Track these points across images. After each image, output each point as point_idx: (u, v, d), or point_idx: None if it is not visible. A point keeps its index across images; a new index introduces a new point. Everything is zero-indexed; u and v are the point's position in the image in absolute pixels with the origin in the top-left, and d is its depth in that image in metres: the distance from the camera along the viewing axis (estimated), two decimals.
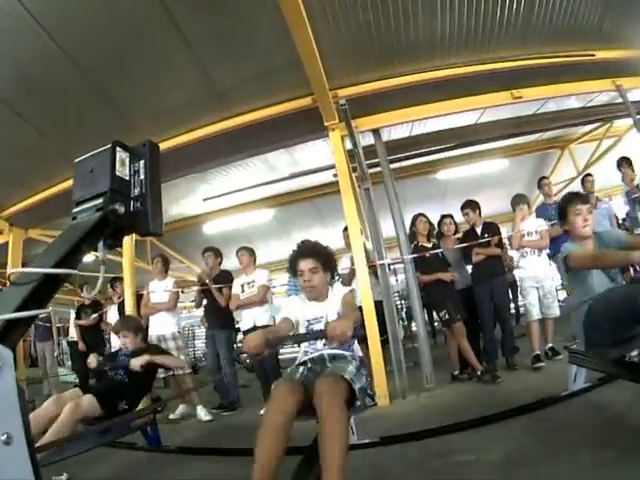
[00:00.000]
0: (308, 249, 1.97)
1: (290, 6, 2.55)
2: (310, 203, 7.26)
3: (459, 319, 3.73)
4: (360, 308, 3.01)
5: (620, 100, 4.47)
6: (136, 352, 2.94)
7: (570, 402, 2.45)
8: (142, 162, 0.91)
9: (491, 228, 3.98)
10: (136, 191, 0.89)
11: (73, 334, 6.33)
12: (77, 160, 0.92)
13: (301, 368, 1.76)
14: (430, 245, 4.00)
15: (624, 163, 4.79)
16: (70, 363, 7.75)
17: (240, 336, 5.36)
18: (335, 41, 3.42)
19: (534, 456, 1.85)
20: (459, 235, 4.29)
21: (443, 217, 4.29)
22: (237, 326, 4.65)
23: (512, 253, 5.06)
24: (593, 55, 4.13)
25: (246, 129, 4.21)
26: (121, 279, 5.17)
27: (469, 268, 4.10)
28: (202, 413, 3.84)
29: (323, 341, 1.79)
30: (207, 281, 4.25)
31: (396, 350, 3.59)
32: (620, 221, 5.19)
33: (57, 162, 4.28)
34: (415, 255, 3.88)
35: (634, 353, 1.90)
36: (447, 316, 3.76)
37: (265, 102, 4.12)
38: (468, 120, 4.89)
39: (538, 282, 3.78)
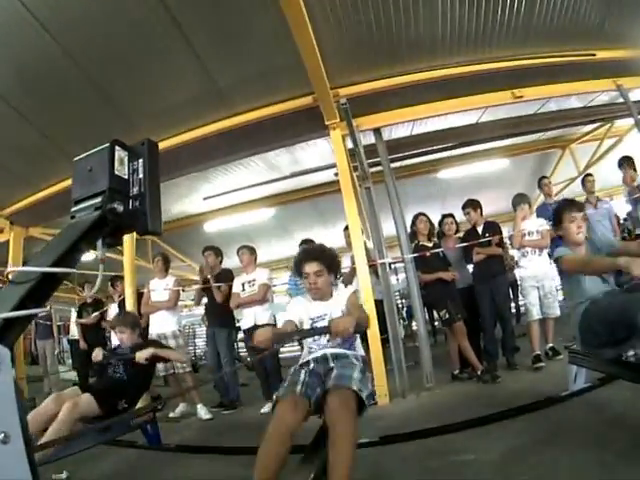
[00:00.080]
0: (313, 252, 2.05)
1: (291, 5, 2.55)
2: (311, 202, 7.26)
3: (459, 318, 3.73)
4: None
5: (621, 100, 4.46)
6: (134, 348, 2.91)
7: (570, 402, 2.45)
8: (141, 161, 0.91)
9: (492, 227, 3.98)
10: (135, 190, 0.89)
11: (74, 332, 6.35)
12: (76, 159, 0.92)
13: (302, 373, 1.74)
14: (431, 244, 4.01)
15: (626, 162, 4.77)
16: (70, 361, 7.77)
17: (240, 335, 5.36)
18: (336, 40, 3.41)
19: (534, 456, 1.85)
20: (460, 234, 4.29)
21: (444, 217, 4.30)
22: (237, 325, 4.66)
23: (513, 252, 5.06)
24: (594, 55, 4.11)
25: (247, 128, 4.20)
26: (122, 278, 5.17)
27: (470, 267, 4.10)
28: (202, 411, 3.84)
29: (327, 337, 1.84)
30: (208, 276, 4.26)
31: (396, 349, 3.60)
32: (621, 221, 5.18)
33: (58, 160, 4.28)
34: (416, 254, 3.88)
35: (630, 353, 1.92)
36: (447, 315, 3.76)
37: (266, 101, 4.11)
38: (469, 119, 4.88)
39: (539, 282, 3.78)
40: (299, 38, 2.85)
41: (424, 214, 4.10)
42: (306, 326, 1.98)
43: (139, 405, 3.08)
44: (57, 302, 8.17)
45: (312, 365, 1.82)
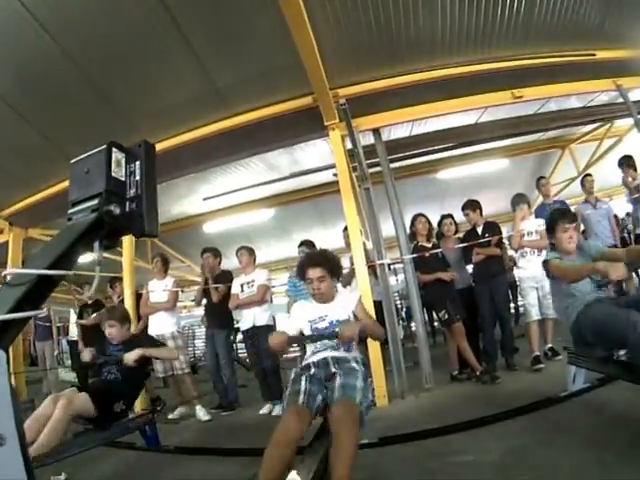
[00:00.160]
0: (317, 258, 2.14)
1: (291, 5, 2.55)
2: (310, 203, 7.25)
3: (458, 319, 3.73)
4: None
5: (621, 100, 4.46)
6: (125, 343, 2.85)
7: (569, 403, 2.45)
8: (138, 163, 0.91)
9: (492, 228, 3.98)
10: (132, 192, 0.89)
11: (73, 333, 6.34)
12: (73, 161, 0.92)
13: (303, 380, 1.74)
14: (430, 245, 4.00)
15: (626, 162, 4.76)
16: (70, 362, 7.76)
17: (240, 336, 5.36)
18: (335, 41, 3.41)
19: (533, 457, 1.85)
20: (459, 235, 4.29)
21: (443, 217, 4.29)
22: (236, 326, 4.65)
23: (511, 253, 5.05)
24: (594, 55, 4.11)
25: (246, 128, 4.20)
26: (121, 279, 5.16)
27: (469, 268, 4.10)
28: (201, 413, 3.84)
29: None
30: (207, 277, 4.26)
31: (395, 350, 3.59)
32: (620, 221, 5.18)
33: (57, 161, 4.27)
34: (415, 255, 3.88)
35: (621, 352, 1.96)
36: (447, 316, 3.75)
37: (265, 101, 4.10)
38: (468, 120, 4.87)
39: (538, 282, 3.77)
40: (298, 38, 2.85)
41: (423, 215, 4.10)
42: (305, 328, 2.04)
43: (137, 407, 3.06)
44: (55, 303, 8.16)
45: (312, 370, 1.82)
